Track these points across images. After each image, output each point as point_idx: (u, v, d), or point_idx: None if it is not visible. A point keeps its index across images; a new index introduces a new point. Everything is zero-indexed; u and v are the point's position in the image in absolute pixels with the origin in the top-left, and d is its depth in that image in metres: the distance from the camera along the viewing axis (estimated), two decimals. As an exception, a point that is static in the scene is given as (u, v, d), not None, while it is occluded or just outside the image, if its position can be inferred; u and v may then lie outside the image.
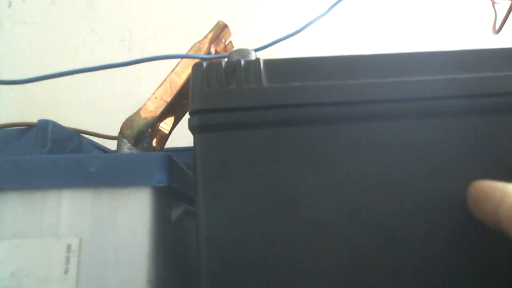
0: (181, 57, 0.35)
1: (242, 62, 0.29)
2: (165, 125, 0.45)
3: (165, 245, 0.31)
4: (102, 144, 0.46)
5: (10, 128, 0.35)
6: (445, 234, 0.27)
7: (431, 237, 0.27)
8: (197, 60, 0.36)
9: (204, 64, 0.29)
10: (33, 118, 0.70)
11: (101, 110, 0.72)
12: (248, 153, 0.27)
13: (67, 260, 0.27)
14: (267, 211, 0.27)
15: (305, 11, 0.80)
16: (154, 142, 0.44)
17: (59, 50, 0.80)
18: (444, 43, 0.73)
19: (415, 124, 0.29)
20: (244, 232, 0.26)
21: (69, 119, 0.72)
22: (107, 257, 0.28)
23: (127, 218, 0.28)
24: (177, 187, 0.31)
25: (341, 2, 0.49)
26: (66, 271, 0.27)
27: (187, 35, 0.82)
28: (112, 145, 0.48)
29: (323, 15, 0.44)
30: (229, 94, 0.28)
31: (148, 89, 0.72)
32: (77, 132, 0.37)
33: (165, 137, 0.44)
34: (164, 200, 0.31)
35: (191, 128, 0.28)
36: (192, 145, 0.28)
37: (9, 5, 0.82)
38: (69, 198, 0.28)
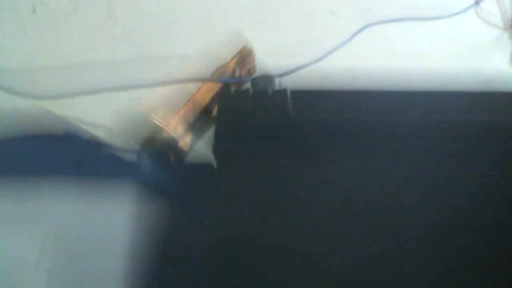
0: (206, 80, 0.36)
1: (269, 91, 0.29)
2: (184, 143, 0.45)
3: (147, 241, 0.29)
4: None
5: (34, 138, 0.35)
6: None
7: (428, 236, 0.28)
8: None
9: (232, 91, 0.29)
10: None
11: (110, 107, 0.73)
12: (270, 179, 0.28)
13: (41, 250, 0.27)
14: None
15: (324, 30, 0.81)
16: (172, 159, 0.44)
17: (78, 57, 0.81)
18: (460, 74, 0.74)
19: (423, 162, 0.29)
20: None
21: (77, 111, 0.72)
22: (83, 251, 0.27)
23: (107, 213, 0.28)
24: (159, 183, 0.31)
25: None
26: (39, 262, 0.27)
27: (205, 49, 0.83)
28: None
29: (345, 43, 0.45)
30: (256, 123, 0.28)
31: (160, 96, 0.72)
32: (96, 142, 0.38)
33: (184, 154, 0.45)
34: (145, 196, 0.30)
35: (216, 152, 0.29)
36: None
37: (33, 11, 0.83)
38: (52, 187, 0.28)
